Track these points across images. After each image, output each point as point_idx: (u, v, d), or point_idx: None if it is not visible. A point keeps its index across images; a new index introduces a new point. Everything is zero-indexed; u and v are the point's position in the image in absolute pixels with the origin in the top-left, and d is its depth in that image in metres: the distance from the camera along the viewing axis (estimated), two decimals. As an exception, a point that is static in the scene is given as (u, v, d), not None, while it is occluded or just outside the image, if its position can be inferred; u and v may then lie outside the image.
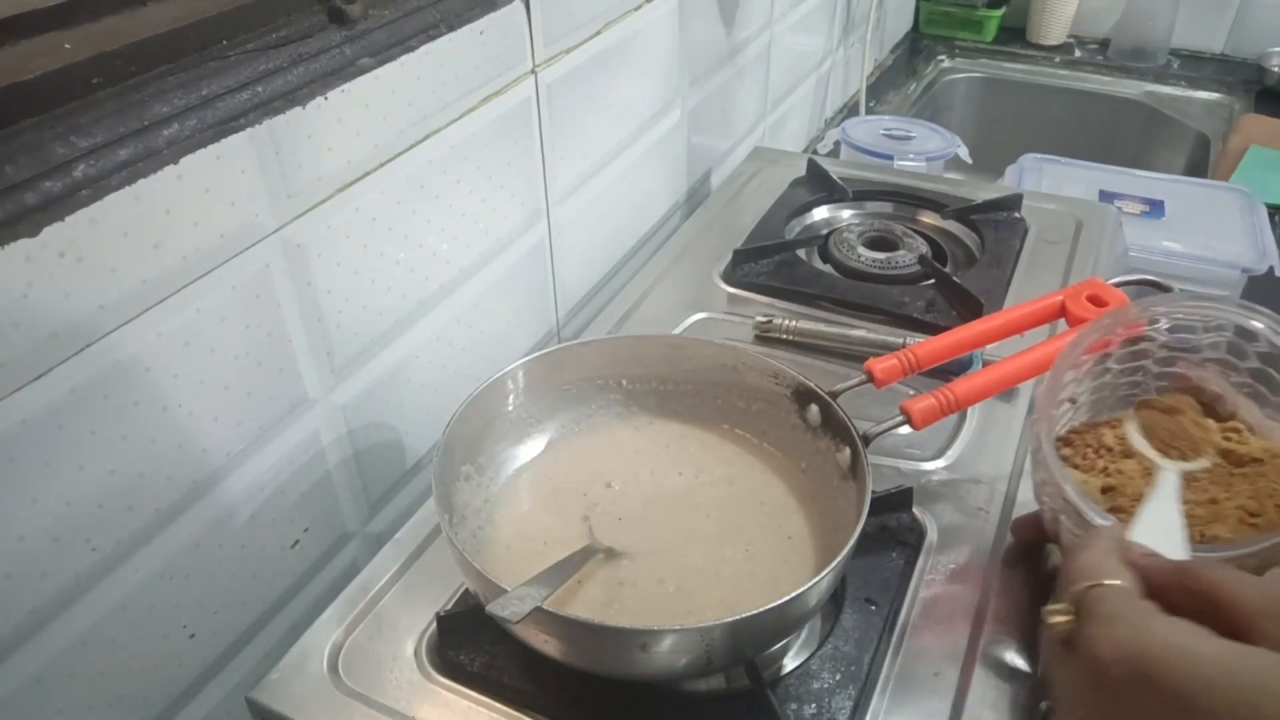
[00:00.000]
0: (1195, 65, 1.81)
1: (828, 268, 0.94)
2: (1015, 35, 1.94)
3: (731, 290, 0.90)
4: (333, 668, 0.57)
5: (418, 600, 0.61)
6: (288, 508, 0.63)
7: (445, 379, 0.76)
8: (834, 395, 0.63)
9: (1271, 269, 1.11)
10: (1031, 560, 0.63)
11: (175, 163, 0.49)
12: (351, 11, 0.58)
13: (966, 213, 1.00)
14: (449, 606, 0.60)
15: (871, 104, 1.69)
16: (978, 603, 0.60)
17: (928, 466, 0.70)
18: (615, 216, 0.97)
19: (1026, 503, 0.67)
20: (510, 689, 0.56)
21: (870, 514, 0.54)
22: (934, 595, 0.60)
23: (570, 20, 0.79)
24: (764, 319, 0.84)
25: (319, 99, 0.57)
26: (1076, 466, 0.59)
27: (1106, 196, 1.26)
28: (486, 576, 0.50)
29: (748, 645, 0.53)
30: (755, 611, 0.48)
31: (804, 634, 0.59)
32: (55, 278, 0.45)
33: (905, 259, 0.92)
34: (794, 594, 0.49)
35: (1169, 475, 0.53)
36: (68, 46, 0.46)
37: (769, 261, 0.93)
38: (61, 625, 0.50)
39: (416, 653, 0.58)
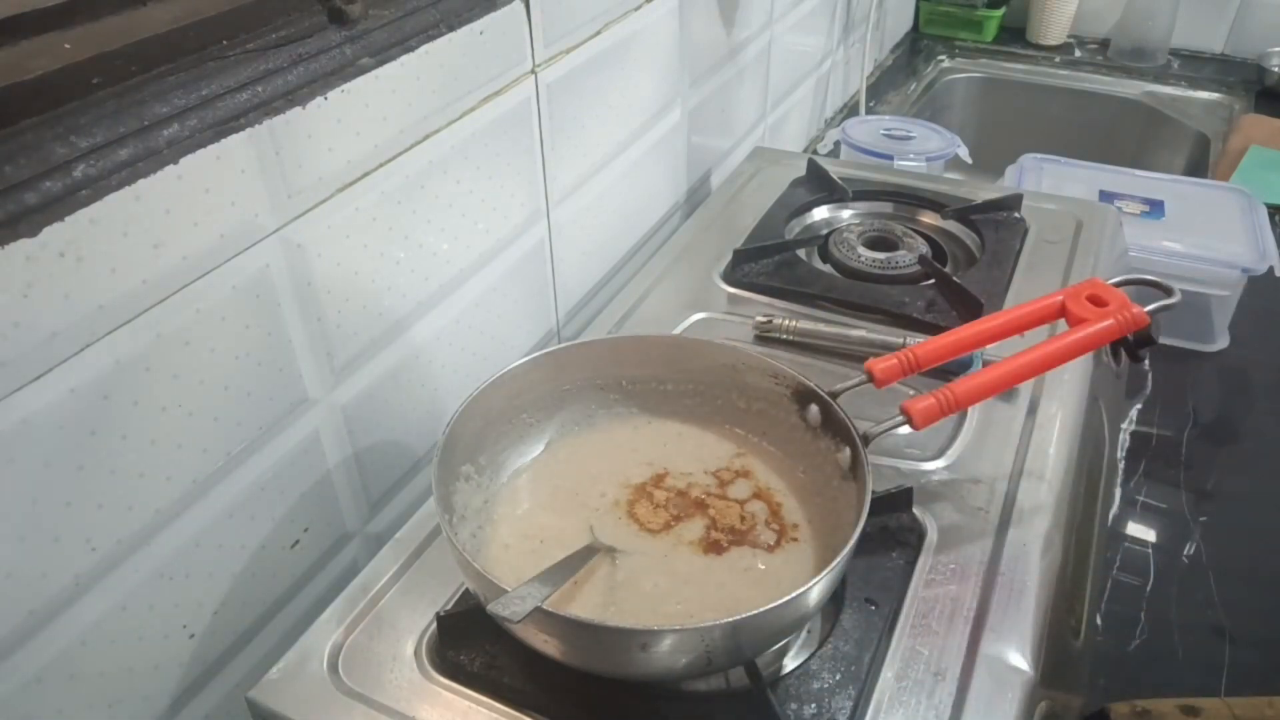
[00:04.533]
0: (1195, 65, 1.81)
1: (828, 268, 0.94)
2: (1015, 35, 1.94)
3: (731, 290, 0.90)
4: (333, 668, 0.57)
5: (418, 600, 0.61)
6: (288, 508, 0.63)
7: (445, 379, 0.76)
8: (834, 395, 0.63)
9: (1271, 269, 1.11)
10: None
11: (175, 163, 0.49)
12: (351, 11, 0.58)
13: (966, 213, 1.00)
14: (449, 606, 0.60)
15: (871, 104, 1.69)
16: (978, 603, 0.60)
17: (928, 466, 0.70)
18: (615, 216, 0.97)
19: (1027, 502, 0.67)
20: (510, 689, 0.56)
21: (870, 514, 0.54)
22: (934, 595, 0.60)
23: (570, 20, 0.79)
24: (764, 319, 0.84)
25: (319, 99, 0.57)
26: None
27: (1106, 196, 1.26)
28: (486, 576, 0.50)
29: (748, 645, 0.53)
30: (755, 611, 0.48)
31: (804, 634, 0.59)
32: (55, 278, 0.45)
33: (905, 259, 0.92)
34: (794, 594, 0.49)
35: None
36: (68, 46, 0.46)
37: (769, 261, 0.93)
38: (61, 625, 0.50)
39: (416, 653, 0.58)
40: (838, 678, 0.55)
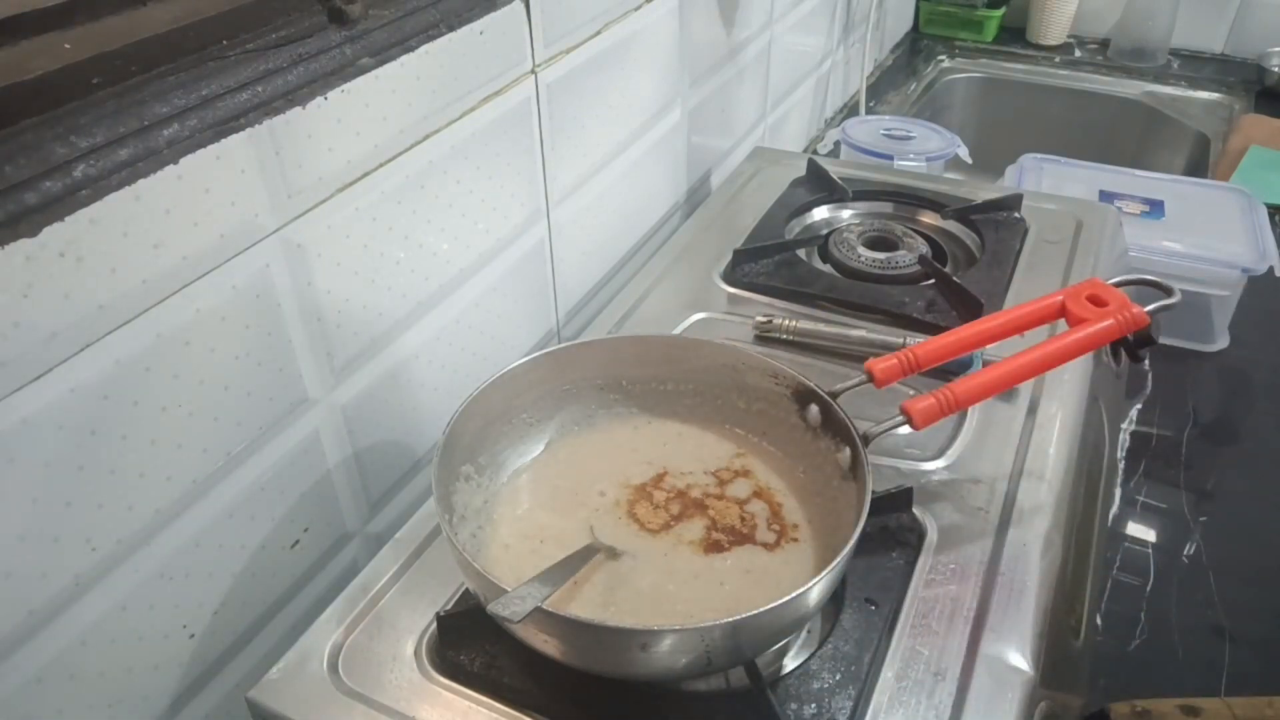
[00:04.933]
0: (1195, 65, 1.81)
1: (828, 268, 0.94)
2: (1015, 35, 1.94)
3: (731, 290, 0.90)
4: (333, 668, 0.57)
5: (418, 600, 0.61)
6: (288, 508, 0.63)
7: (445, 379, 0.76)
8: (834, 395, 0.63)
9: (1271, 269, 1.11)
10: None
11: (175, 163, 0.49)
12: (351, 11, 0.58)
13: (966, 213, 1.00)
14: (449, 606, 0.60)
15: (871, 104, 1.69)
16: (978, 603, 0.60)
17: (928, 466, 0.70)
18: (615, 216, 0.97)
19: (1027, 502, 0.67)
20: (510, 689, 0.56)
21: (870, 514, 0.54)
22: (934, 595, 0.60)
23: (570, 20, 0.79)
24: (764, 319, 0.84)
25: (319, 99, 0.57)
26: None
27: (1106, 196, 1.26)
28: (486, 576, 0.50)
29: (748, 646, 0.53)
30: (755, 612, 0.48)
31: (804, 634, 0.59)
32: (55, 278, 0.45)
33: (905, 259, 0.92)
34: (794, 594, 0.49)
35: None
36: (68, 46, 0.46)
37: (769, 261, 0.92)
38: (61, 625, 0.50)
39: (416, 653, 0.58)
40: (838, 678, 0.55)
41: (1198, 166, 1.62)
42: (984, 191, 1.05)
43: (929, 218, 1.02)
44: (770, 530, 0.62)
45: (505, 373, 0.64)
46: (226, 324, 0.55)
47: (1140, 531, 0.96)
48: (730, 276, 0.91)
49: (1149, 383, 1.14)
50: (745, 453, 0.68)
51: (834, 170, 1.07)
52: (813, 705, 0.54)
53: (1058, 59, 1.87)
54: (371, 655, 0.58)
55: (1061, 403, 0.76)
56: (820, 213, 1.05)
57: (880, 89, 1.77)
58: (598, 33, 0.83)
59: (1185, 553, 0.93)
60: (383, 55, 0.61)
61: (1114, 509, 0.98)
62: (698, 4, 1.01)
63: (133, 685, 0.55)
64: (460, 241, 0.73)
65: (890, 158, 1.28)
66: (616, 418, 0.70)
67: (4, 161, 0.42)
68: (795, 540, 0.61)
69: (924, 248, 0.94)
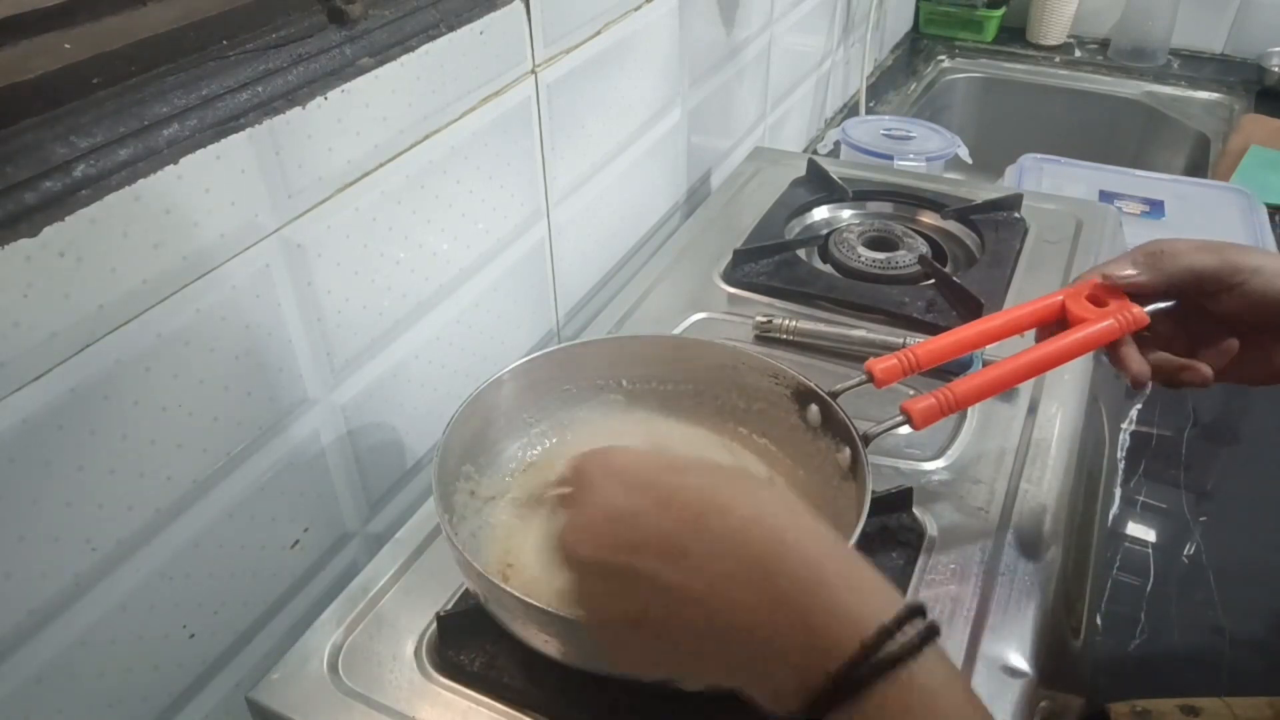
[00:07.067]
0: (1195, 65, 1.81)
1: (828, 268, 0.94)
2: (1015, 35, 1.94)
3: (731, 290, 0.90)
4: (333, 668, 0.57)
5: (418, 600, 0.61)
6: (288, 508, 0.63)
7: (445, 379, 0.76)
8: (834, 395, 0.63)
9: (1272, 269, 1.11)
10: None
11: (175, 163, 0.49)
12: (351, 11, 0.58)
13: (966, 213, 1.00)
14: (449, 606, 0.60)
15: (871, 104, 1.69)
16: (978, 603, 0.60)
17: (928, 466, 0.70)
18: (615, 216, 0.97)
19: (1027, 502, 0.67)
20: (510, 689, 0.56)
21: (870, 514, 0.54)
22: (934, 595, 0.60)
23: (570, 20, 0.79)
24: (764, 319, 0.84)
25: (319, 99, 0.57)
26: None
27: (1106, 196, 1.27)
28: (486, 576, 0.50)
29: (748, 645, 0.52)
30: (755, 611, 0.48)
31: (804, 634, 0.59)
32: (55, 278, 0.45)
33: (905, 259, 0.92)
34: (794, 594, 0.49)
35: None
36: (68, 46, 0.46)
37: (769, 261, 0.93)
38: (61, 625, 0.50)
39: (416, 653, 0.58)
40: (838, 678, 0.55)
41: (1198, 166, 1.62)
42: (984, 191, 1.05)
43: (929, 218, 1.02)
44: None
45: (506, 372, 0.64)
46: (226, 324, 0.55)
47: (1140, 531, 0.96)
48: (730, 276, 0.91)
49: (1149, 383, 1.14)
50: (745, 452, 0.68)
51: (834, 170, 1.07)
52: (813, 705, 0.54)
53: (1058, 59, 1.87)
54: (371, 655, 0.58)
55: (1061, 403, 0.76)
56: (820, 213, 1.05)
57: (880, 89, 1.77)
58: (597, 33, 0.83)
59: (1185, 553, 0.93)
60: (383, 55, 0.61)
61: (1114, 509, 0.98)
62: (698, 4, 1.01)
63: (133, 685, 0.55)
64: (460, 241, 0.73)
65: (890, 158, 1.28)
66: (616, 418, 0.70)
67: (4, 161, 0.42)
68: (795, 540, 0.61)
69: (924, 248, 0.94)
